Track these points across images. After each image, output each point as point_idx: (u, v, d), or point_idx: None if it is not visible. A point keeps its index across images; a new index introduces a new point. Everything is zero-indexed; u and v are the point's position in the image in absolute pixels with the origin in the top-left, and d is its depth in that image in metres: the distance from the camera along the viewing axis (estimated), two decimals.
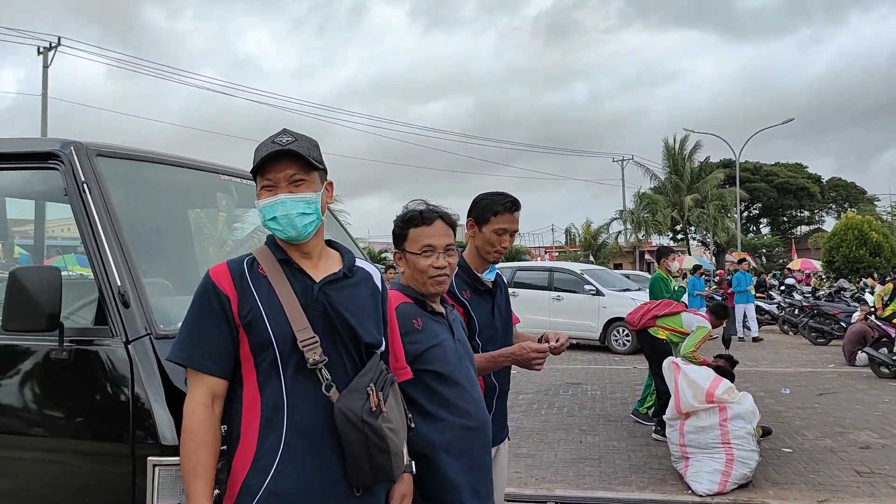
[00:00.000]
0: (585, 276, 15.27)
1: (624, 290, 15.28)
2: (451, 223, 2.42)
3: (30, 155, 2.52)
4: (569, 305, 14.93)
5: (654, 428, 7.29)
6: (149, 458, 2.04)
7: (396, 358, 2.13)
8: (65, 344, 2.17)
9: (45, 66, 27.36)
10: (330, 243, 2.07)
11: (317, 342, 1.83)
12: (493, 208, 2.78)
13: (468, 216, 2.84)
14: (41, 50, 27.30)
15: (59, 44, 27.44)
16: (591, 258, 36.96)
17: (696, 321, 7.14)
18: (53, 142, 2.45)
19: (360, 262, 2.08)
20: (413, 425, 2.07)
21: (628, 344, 14.15)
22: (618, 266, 39.12)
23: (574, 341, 15.52)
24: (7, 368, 2.33)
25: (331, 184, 2.01)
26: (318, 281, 1.93)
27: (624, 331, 14.21)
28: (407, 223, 2.38)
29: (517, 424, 7.82)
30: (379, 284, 2.08)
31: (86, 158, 2.40)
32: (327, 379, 1.83)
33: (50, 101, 27.28)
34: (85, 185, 2.33)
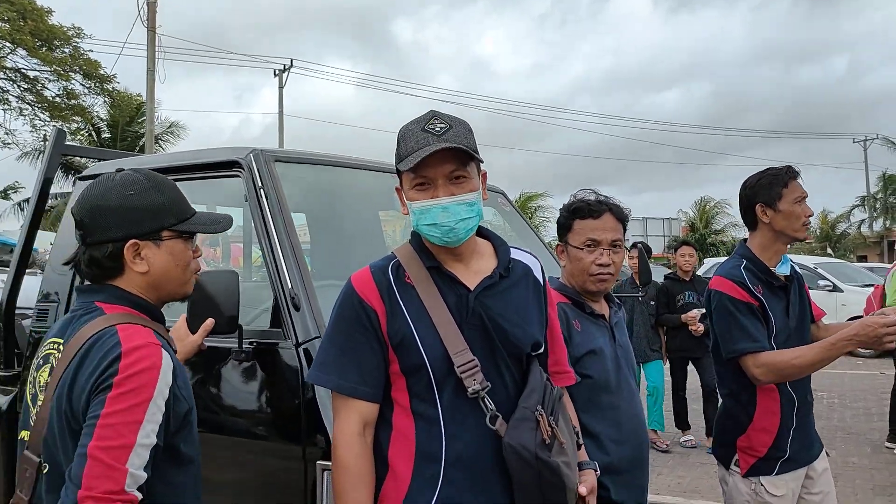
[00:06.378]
0: (819, 269, 13.81)
1: (867, 286, 13.60)
2: (622, 217, 2.21)
3: (218, 164, 2.64)
4: None
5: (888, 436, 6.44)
6: (318, 462, 2.04)
7: (557, 360, 1.87)
8: (244, 346, 2.23)
9: (280, 87, 30.08)
10: (479, 232, 1.79)
11: (477, 367, 1.62)
12: (782, 179, 2.50)
13: (753, 204, 2.55)
14: (276, 72, 30.06)
15: (291, 66, 30.02)
16: (829, 250, 33.47)
17: None
18: (236, 150, 2.55)
19: (516, 254, 1.81)
20: (582, 442, 1.86)
21: None
22: (862, 258, 35.22)
23: None
24: (193, 368, 2.45)
25: (485, 174, 1.77)
26: (472, 288, 1.69)
27: None
28: (573, 214, 2.21)
29: None
30: (540, 277, 1.83)
31: (264, 164, 2.46)
32: (491, 409, 1.61)
33: (289, 118, 29.83)
34: (262, 191, 2.39)
